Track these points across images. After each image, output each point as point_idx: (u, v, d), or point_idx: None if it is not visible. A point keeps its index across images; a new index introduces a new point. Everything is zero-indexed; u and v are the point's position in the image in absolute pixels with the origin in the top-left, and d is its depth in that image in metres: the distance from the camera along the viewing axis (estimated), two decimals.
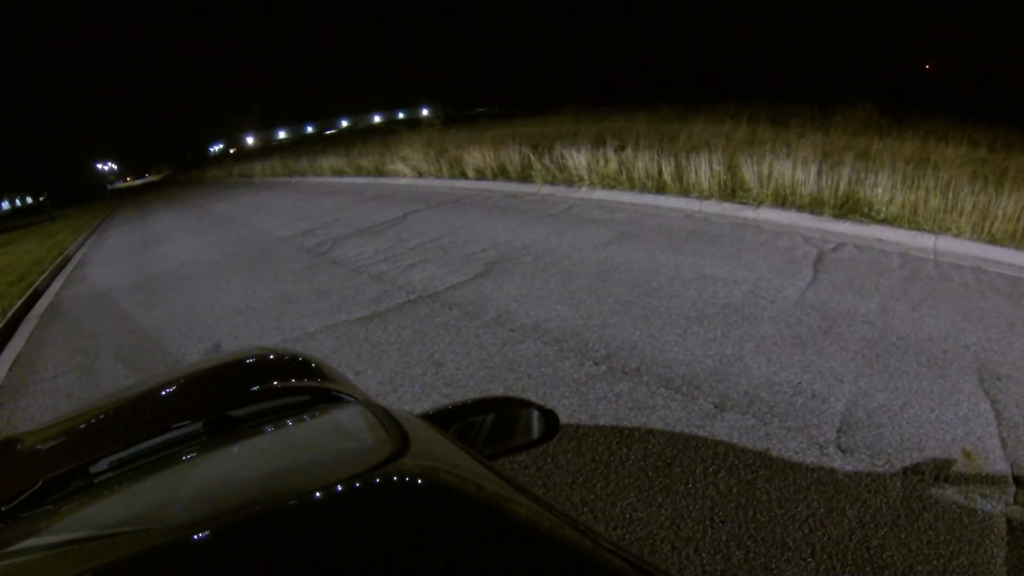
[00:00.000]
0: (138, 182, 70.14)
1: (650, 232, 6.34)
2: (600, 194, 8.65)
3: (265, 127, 75.90)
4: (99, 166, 71.11)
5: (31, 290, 8.45)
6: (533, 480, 2.51)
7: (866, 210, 5.81)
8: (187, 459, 1.22)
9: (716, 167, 7.44)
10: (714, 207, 7.07)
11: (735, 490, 2.36)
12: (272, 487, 0.98)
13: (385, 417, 1.13)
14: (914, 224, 5.43)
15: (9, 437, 1.64)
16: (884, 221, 5.66)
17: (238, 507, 0.86)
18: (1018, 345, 3.30)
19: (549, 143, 11.04)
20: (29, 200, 62.52)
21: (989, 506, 2.18)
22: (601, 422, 2.90)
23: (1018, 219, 4.88)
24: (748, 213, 6.66)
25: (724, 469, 2.50)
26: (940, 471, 2.38)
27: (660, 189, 7.91)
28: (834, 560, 2.01)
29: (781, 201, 6.55)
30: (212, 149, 77.22)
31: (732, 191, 7.14)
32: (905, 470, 2.39)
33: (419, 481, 0.92)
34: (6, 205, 60.38)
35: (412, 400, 3.34)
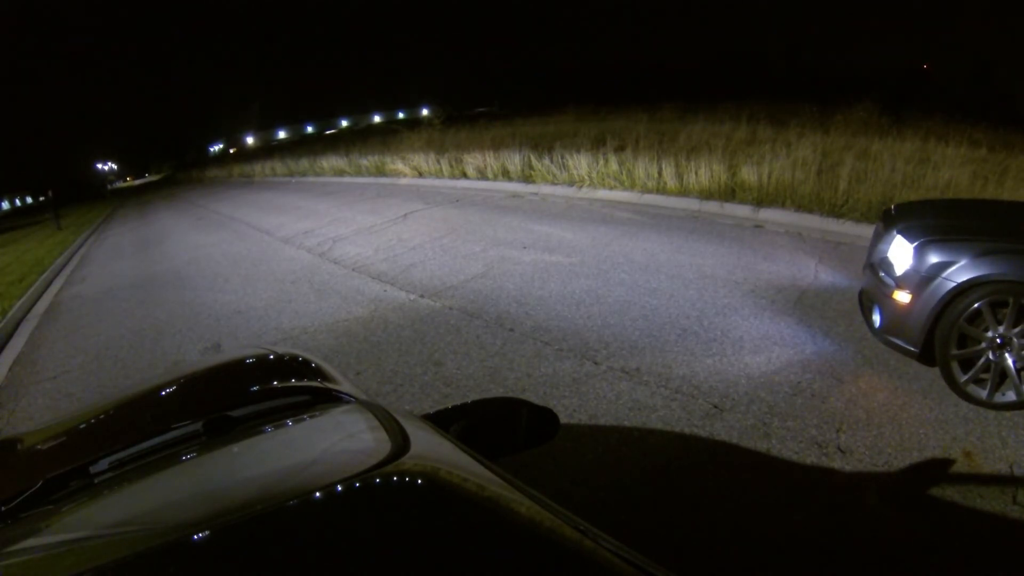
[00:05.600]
0: (138, 182, 70.09)
1: (650, 232, 6.34)
2: (601, 194, 8.64)
3: (265, 127, 75.82)
4: (99, 166, 71.09)
5: (31, 290, 8.45)
6: (533, 480, 2.51)
7: (866, 209, 5.81)
8: (187, 459, 1.21)
9: (716, 167, 7.44)
10: (714, 207, 7.07)
11: (735, 488, 2.36)
12: (272, 487, 0.98)
13: (385, 417, 1.13)
14: None
15: (9, 437, 1.64)
16: None
17: (238, 507, 0.86)
18: None
19: (549, 143, 11.05)
20: (29, 200, 62.52)
21: (989, 505, 2.18)
22: (601, 422, 2.90)
23: None
24: (748, 213, 6.66)
25: (724, 468, 2.50)
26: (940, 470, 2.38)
27: (660, 189, 7.91)
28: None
29: (781, 201, 6.54)
30: (212, 149, 77.20)
31: (732, 191, 7.14)
32: (903, 470, 2.40)
33: (419, 481, 0.92)
34: (6, 205, 60.40)
35: (412, 400, 3.34)
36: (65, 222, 19.48)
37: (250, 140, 71.63)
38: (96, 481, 1.21)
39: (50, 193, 21.55)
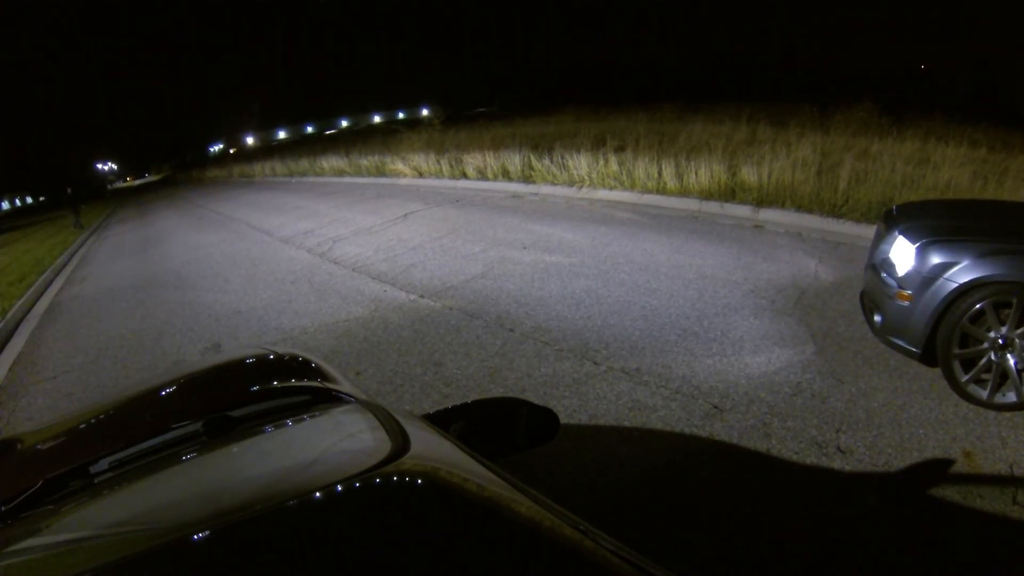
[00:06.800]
0: (138, 182, 70.15)
1: (650, 233, 6.34)
2: (601, 194, 8.64)
3: (265, 127, 75.81)
4: (99, 166, 71.16)
5: (31, 290, 8.45)
6: (533, 480, 2.51)
7: (866, 209, 5.81)
8: (187, 459, 1.22)
9: (716, 167, 7.44)
10: (714, 207, 7.07)
11: (735, 488, 2.36)
12: (272, 487, 0.98)
13: (385, 417, 1.13)
14: None
15: (9, 437, 1.64)
16: None
17: (238, 507, 0.86)
18: None
19: (549, 143, 11.05)
20: (29, 200, 62.54)
21: (989, 505, 2.18)
22: (601, 422, 2.90)
23: None
24: (748, 213, 6.66)
25: (724, 468, 2.50)
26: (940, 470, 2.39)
27: (660, 189, 7.91)
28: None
29: (781, 201, 6.54)
30: (212, 149, 77.17)
31: (732, 191, 7.14)
32: (903, 470, 2.40)
33: (419, 481, 0.92)
34: (6, 205, 60.42)
35: (412, 400, 3.34)
36: (67, 222, 19.44)
37: (250, 140, 71.61)
38: (96, 481, 1.21)
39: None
